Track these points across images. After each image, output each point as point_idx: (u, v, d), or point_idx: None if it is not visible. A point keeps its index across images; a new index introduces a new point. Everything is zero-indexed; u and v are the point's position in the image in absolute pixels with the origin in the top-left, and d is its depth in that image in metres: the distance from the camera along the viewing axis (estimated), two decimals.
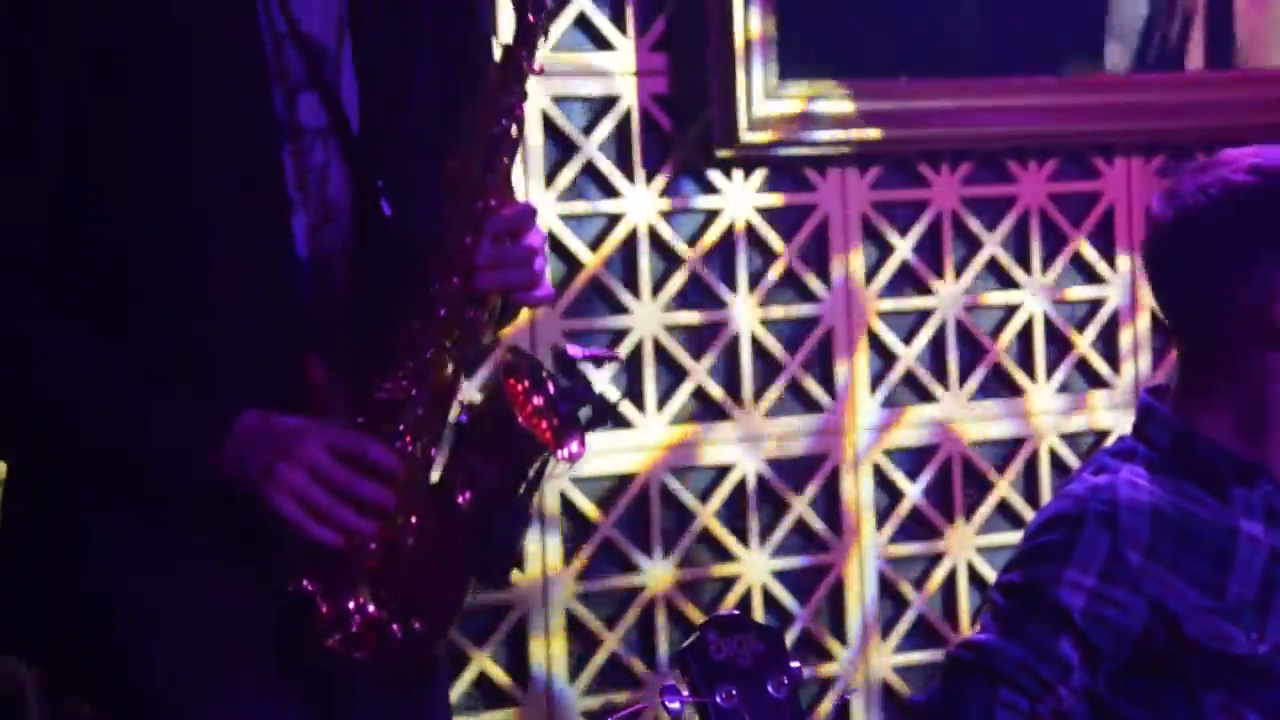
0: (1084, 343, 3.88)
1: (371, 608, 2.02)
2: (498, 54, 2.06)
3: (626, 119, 3.46)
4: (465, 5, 2.19)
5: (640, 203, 3.47)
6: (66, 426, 1.98)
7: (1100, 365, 3.90)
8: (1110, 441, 2.98)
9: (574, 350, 2.15)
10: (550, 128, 3.40)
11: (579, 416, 2.06)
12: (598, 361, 2.21)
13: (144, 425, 1.97)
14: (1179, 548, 2.20)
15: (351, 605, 2.01)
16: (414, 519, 2.04)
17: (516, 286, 2.05)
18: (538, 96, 3.34)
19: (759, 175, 3.58)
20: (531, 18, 2.01)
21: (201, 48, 1.97)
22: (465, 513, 2.04)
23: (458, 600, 2.09)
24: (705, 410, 3.55)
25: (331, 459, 1.96)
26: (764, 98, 3.49)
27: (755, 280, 3.58)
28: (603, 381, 3.19)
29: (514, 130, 2.03)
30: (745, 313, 3.57)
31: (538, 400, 2.06)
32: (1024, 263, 3.82)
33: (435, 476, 2.10)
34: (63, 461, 2.00)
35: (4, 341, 1.98)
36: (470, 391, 3.07)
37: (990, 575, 3.66)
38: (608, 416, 2.10)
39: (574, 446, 2.04)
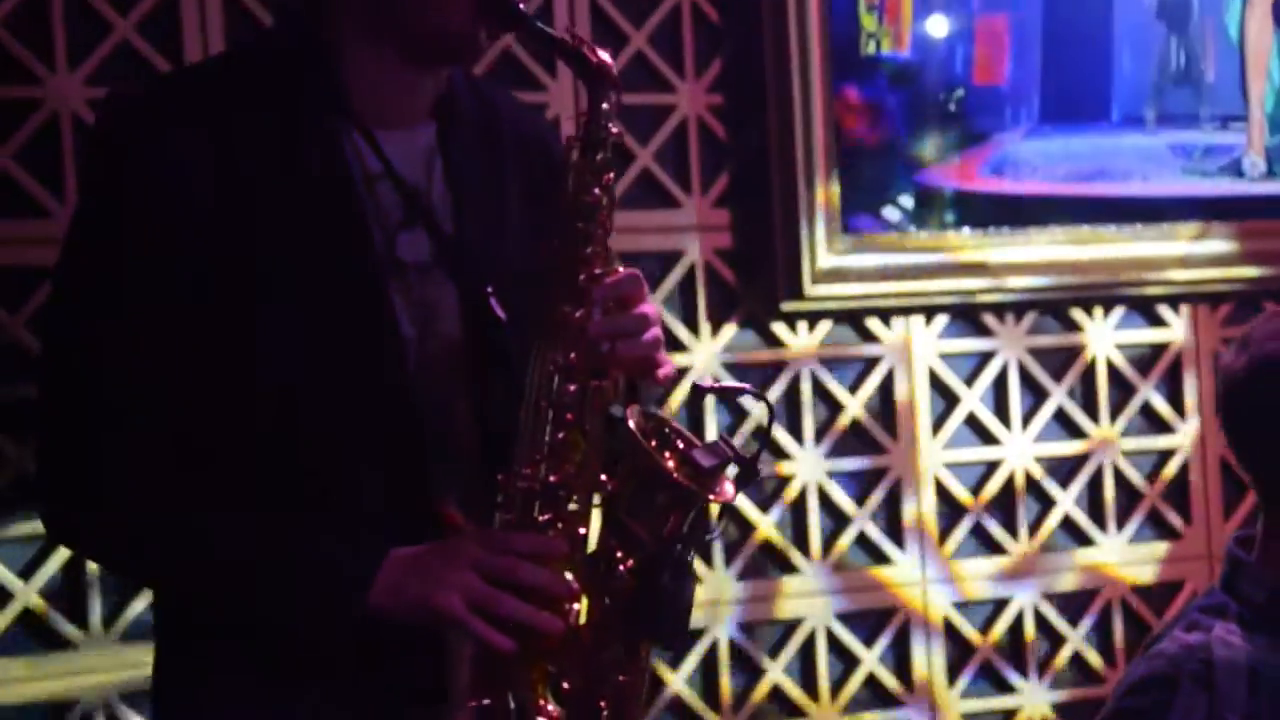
0: (1154, 493, 3.84)
1: (552, 707, 1.98)
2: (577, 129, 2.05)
3: (690, 274, 3.47)
4: (545, 151, 2.19)
5: (705, 356, 3.47)
6: (219, 604, 1.99)
7: (1172, 516, 3.85)
8: (1188, 595, 2.92)
9: (706, 381, 2.10)
10: None
11: (719, 465, 2.02)
12: (730, 393, 2.15)
13: (292, 583, 1.96)
14: (1277, 712, 2.11)
15: (537, 709, 1.97)
16: (581, 599, 1.99)
17: (635, 355, 2.01)
18: None
19: (824, 327, 3.57)
20: (604, 88, 1.99)
21: (296, 199, 1.99)
22: (629, 580, 1.99)
23: (639, 671, 2.02)
24: (773, 564, 3.52)
25: (492, 555, 1.94)
26: (827, 251, 3.50)
27: (822, 432, 3.57)
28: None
29: (606, 200, 2.01)
30: (812, 464, 3.55)
31: (673, 456, 2.02)
32: (1091, 412, 3.79)
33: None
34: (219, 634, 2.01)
35: (150, 531, 1.99)
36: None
37: None
38: (751, 471, 2.06)
39: (723, 490, 2.02)
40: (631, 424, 1.98)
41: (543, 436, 1.98)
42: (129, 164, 1.97)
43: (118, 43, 3.05)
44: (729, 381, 2.13)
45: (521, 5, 1.98)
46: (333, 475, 2.00)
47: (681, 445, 2.02)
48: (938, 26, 3.64)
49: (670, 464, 1.98)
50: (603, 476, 2.00)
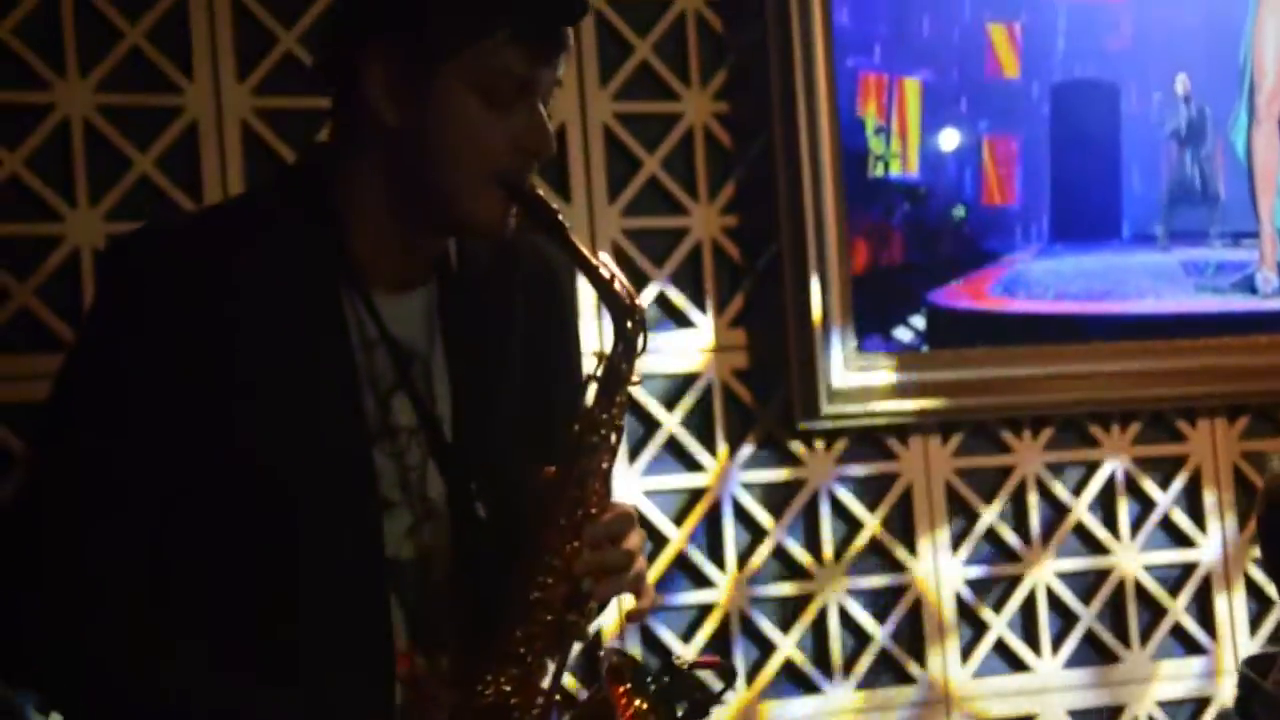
0: (1178, 607, 3.81)
1: None
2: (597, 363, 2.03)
3: (707, 393, 3.48)
4: (558, 295, 2.20)
5: (723, 475, 3.47)
6: None
7: (1196, 630, 3.82)
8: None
9: (681, 659, 2.11)
10: (633, 406, 3.42)
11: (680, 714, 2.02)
12: (708, 668, 2.16)
13: None
14: None
15: None
16: None
17: (616, 591, 2.02)
18: None
19: (841, 444, 3.57)
20: (630, 326, 1.99)
21: (291, 358, 1.99)
22: None
23: None
24: (795, 684, 3.49)
25: None
26: (843, 369, 3.50)
27: (841, 550, 3.55)
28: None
29: (614, 438, 2.01)
30: (831, 583, 3.53)
31: (641, 703, 2.02)
32: (1112, 526, 3.78)
33: None
34: None
35: (120, 687, 1.97)
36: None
37: None
38: (708, 714, 2.06)
39: None
40: (609, 670, 2.01)
41: (514, 659, 1.99)
42: (132, 314, 1.97)
43: (137, 178, 3.09)
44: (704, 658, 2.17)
45: (559, 214, 1.97)
46: (304, 626, 1.98)
47: (653, 691, 2.03)
48: (946, 147, 3.66)
49: (631, 715, 1.99)
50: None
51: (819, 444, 3.55)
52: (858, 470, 3.58)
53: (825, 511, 3.54)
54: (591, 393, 2.00)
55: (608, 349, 2.00)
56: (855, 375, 3.52)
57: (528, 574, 1.98)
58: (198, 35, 3.10)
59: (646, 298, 3.43)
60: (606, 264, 1.99)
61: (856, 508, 3.57)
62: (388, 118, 1.96)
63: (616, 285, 1.98)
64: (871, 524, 3.57)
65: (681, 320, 3.47)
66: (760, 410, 3.51)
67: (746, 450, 3.50)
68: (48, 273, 3.02)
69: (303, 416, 1.98)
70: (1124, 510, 3.79)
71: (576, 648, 2.04)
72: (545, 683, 2.00)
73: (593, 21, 3.39)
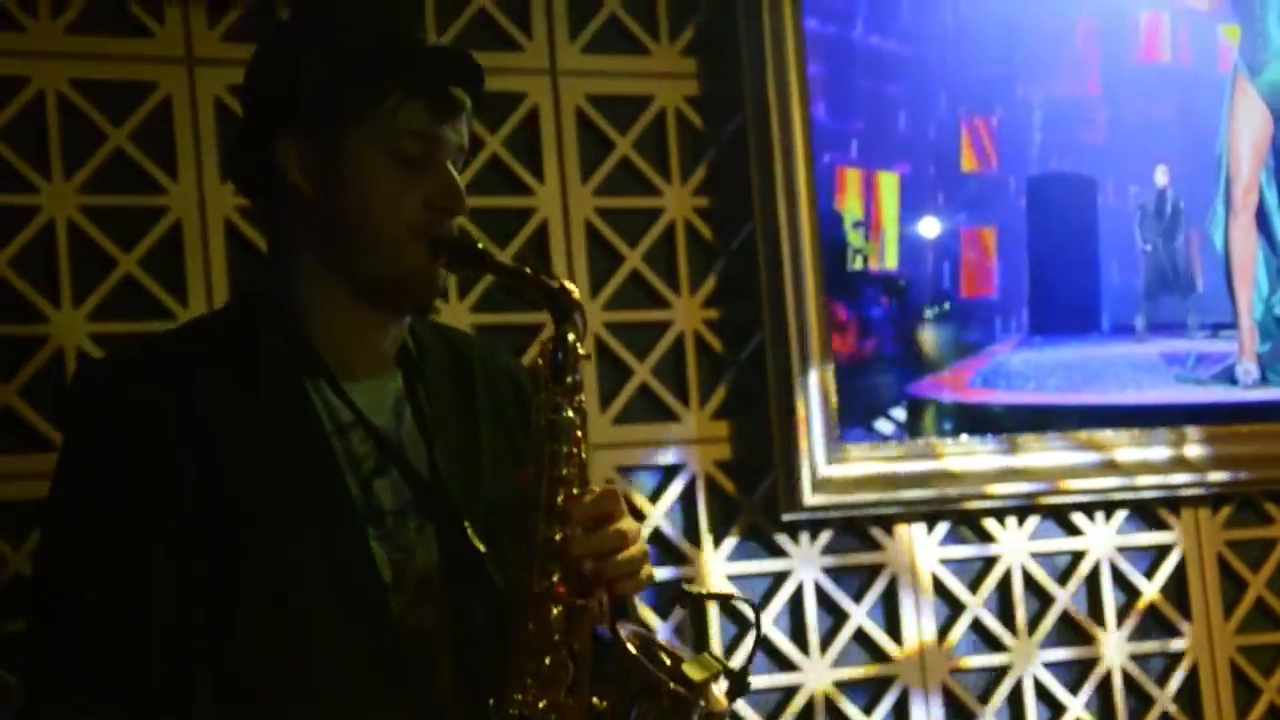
0: (1166, 698, 3.78)
1: None
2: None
3: (691, 486, 3.47)
4: (515, 386, 2.22)
5: (708, 567, 3.45)
6: None
7: (1178, 715, 3.80)
8: None
9: (693, 588, 2.10)
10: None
11: (711, 678, 2.01)
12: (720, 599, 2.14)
13: None
14: None
15: None
16: None
17: (618, 570, 2.01)
18: (605, 469, 3.36)
19: (826, 535, 3.56)
20: (566, 311, 2.03)
21: (270, 457, 2.00)
22: None
23: None
24: None
25: None
26: (826, 461, 3.50)
27: (827, 641, 3.53)
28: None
29: (579, 420, 2.03)
30: (818, 675, 3.50)
31: (664, 671, 1.99)
32: (1097, 616, 3.75)
33: None
34: None
35: None
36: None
37: None
38: (743, 682, 2.05)
39: (716, 701, 2.00)
40: (624, 639, 1.97)
41: (531, 662, 1.98)
42: (102, 440, 2.00)
43: (118, 280, 3.09)
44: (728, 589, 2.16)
45: (479, 244, 2.06)
46: (315, 714, 1.99)
47: (670, 660, 2.01)
48: (923, 240, 3.67)
49: (663, 678, 1.97)
50: (594, 699, 1.99)
51: (803, 535, 3.53)
52: (843, 561, 3.56)
53: (811, 603, 3.52)
54: (544, 377, 2.02)
55: (553, 338, 2.04)
56: (838, 467, 3.51)
57: (524, 572, 1.98)
58: (181, 136, 3.12)
59: (628, 391, 3.43)
60: (531, 266, 2.06)
61: (842, 599, 3.55)
62: (305, 192, 2.04)
63: (544, 279, 2.04)
64: (858, 615, 3.55)
65: (665, 413, 3.47)
66: (744, 502, 3.50)
67: (731, 542, 3.48)
68: (31, 372, 3.01)
69: (291, 509, 2.00)
70: (1109, 599, 3.77)
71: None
72: (569, 683, 1.98)
73: (574, 119, 3.41)
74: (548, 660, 1.97)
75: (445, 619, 2.06)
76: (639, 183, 3.49)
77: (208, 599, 1.99)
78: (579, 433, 2.03)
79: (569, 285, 2.04)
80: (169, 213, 3.11)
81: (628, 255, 3.46)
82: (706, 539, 3.46)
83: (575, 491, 2.01)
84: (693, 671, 1.99)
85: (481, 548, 2.06)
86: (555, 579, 1.98)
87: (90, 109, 3.08)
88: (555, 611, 1.98)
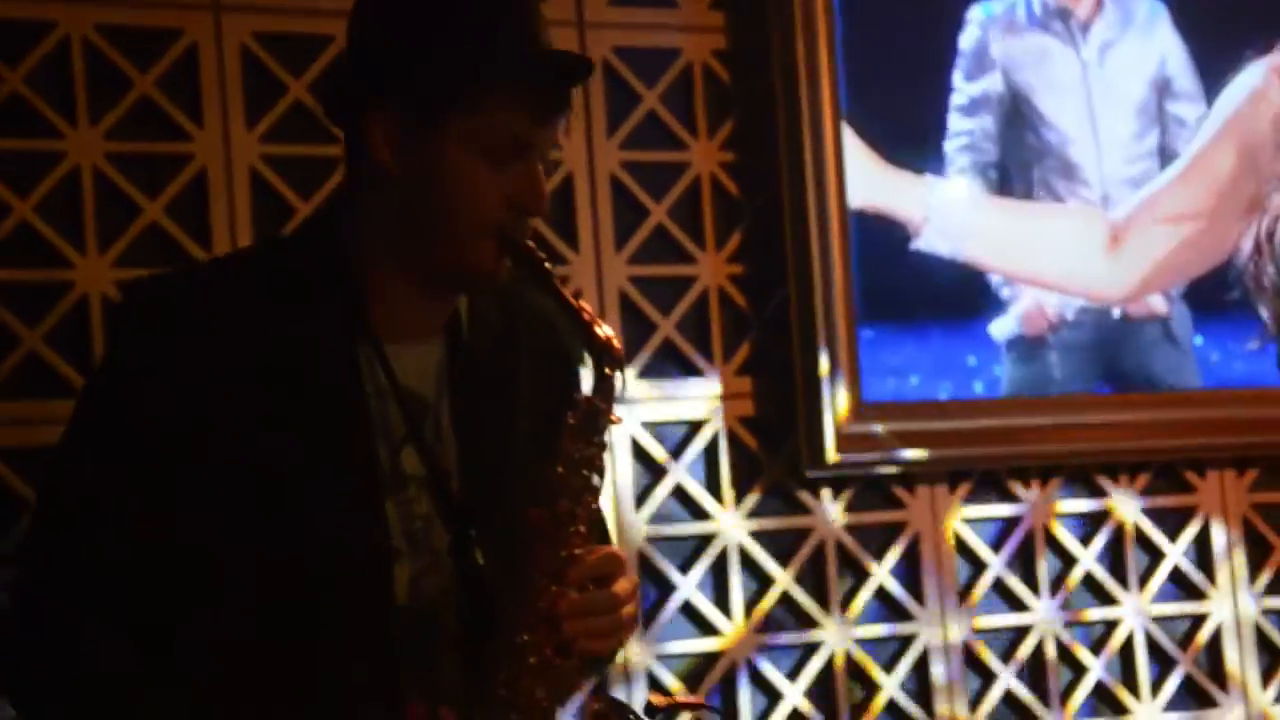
0: (1189, 660, 3.79)
1: None
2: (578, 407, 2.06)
3: (715, 442, 3.48)
4: (564, 366, 2.21)
5: (730, 523, 3.46)
6: None
7: (1207, 684, 3.80)
8: None
9: (658, 699, 2.12)
10: (640, 454, 3.43)
11: None
12: (688, 709, 2.18)
13: None
14: None
15: None
16: None
17: (601, 634, 2.03)
18: (629, 423, 3.38)
19: (848, 494, 3.57)
20: (608, 370, 2.03)
21: (307, 407, 2.00)
22: None
23: None
24: None
25: None
26: (850, 419, 3.51)
27: (848, 599, 3.54)
28: None
29: (596, 479, 2.03)
30: (838, 633, 3.52)
31: None
32: (1121, 578, 3.76)
33: None
34: None
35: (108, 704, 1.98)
36: None
37: None
38: None
39: None
40: (592, 710, 2.02)
41: (503, 700, 1.99)
42: (144, 361, 2.00)
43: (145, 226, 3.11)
44: (684, 696, 2.18)
45: (546, 263, 2.01)
46: (312, 669, 1.99)
47: None
48: None
49: None
50: None
51: (825, 493, 3.55)
52: (865, 519, 3.58)
53: (832, 560, 3.54)
54: (572, 434, 2.02)
55: (587, 391, 2.04)
56: (862, 424, 3.52)
57: (513, 616, 2.00)
58: (207, 83, 3.13)
59: (652, 346, 3.44)
60: (586, 308, 2.03)
61: (863, 557, 3.56)
62: (390, 163, 2.01)
63: (596, 328, 2.02)
64: (880, 573, 3.56)
65: (688, 368, 3.48)
66: (767, 459, 3.51)
67: (753, 498, 3.49)
68: (57, 319, 3.03)
69: (317, 463, 2.01)
70: (1132, 562, 3.77)
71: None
72: None
73: (600, 72, 3.41)
74: (520, 706, 1.99)
75: (452, 594, 2.06)
76: (665, 137, 3.50)
77: (214, 539, 1.98)
78: (592, 497, 2.04)
79: (615, 340, 2.02)
80: (194, 160, 3.13)
81: (653, 210, 3.47)
82: (729, 495, 3.48)
83: (578, 551, 2.01)
84: None
85: (481, 561, 2.04)
86: (537, 633, 1.99)
87: (116, 55, 3.09)
88: (533, 663, 2.00)
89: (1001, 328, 3.69)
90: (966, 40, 3.69)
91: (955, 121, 3.66)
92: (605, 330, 2.02)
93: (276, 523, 1.99)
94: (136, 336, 2.02)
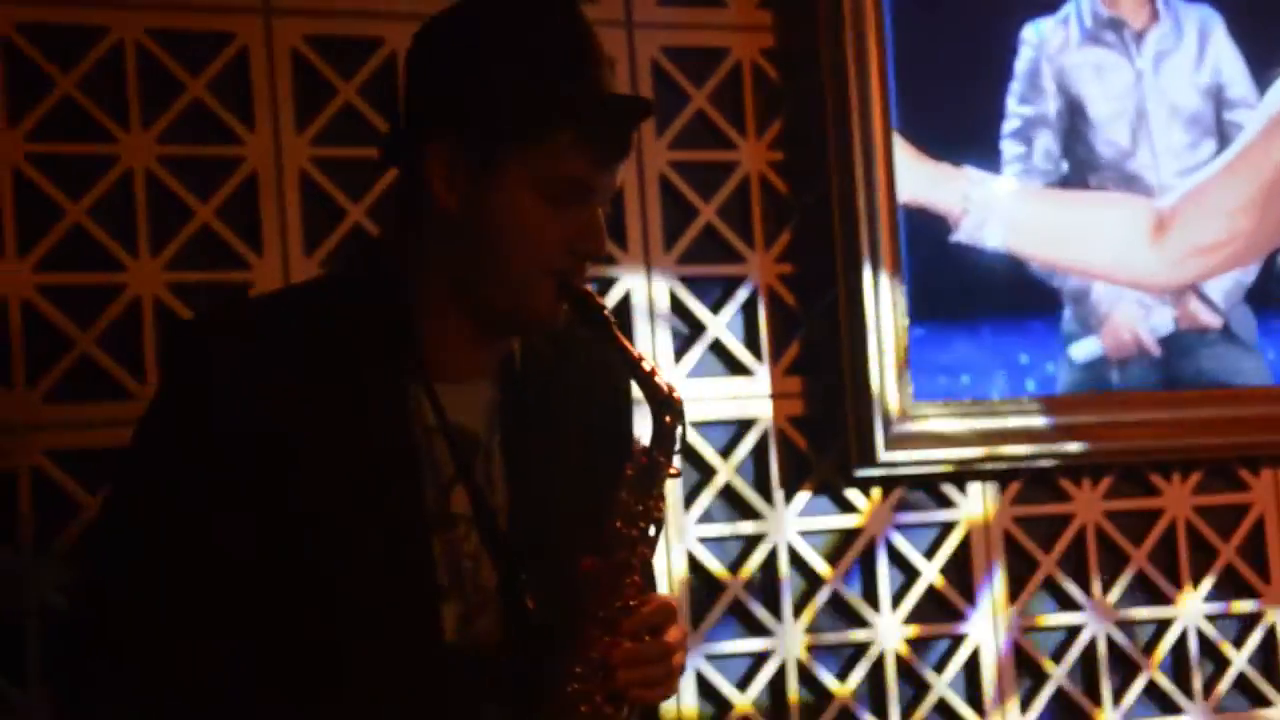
0: (1242, 659, 3.79)
1: None
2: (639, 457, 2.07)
3: (764, 441, 3.50)
4: (618, 409, 2.23)
5: (780, 523, 3.48)
6: None
7: (1261, 683, 3.80)
8: None
9: None
10: (690, 454, 3.44)
11: None
12: None
13: None
14: None
15: None
16: None
17: (653, 682, 2.05)
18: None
19: (898, 492, 3.58)
20: (669, 419, 2.04)
21: (356, 444, 2.01)
22: None
23: None
24: None
25: None
26: (900, 417, 3.52)
27: (898, 598, 3.56)
28: None
29: (653, 531, 2.04)
30: (890, 631, 3.54)
31: None
32: (1173, 577, 3.77)
33: None
34: None
35: None
36: None
37: None
38: None
39: None
40: None
41: None
42: (194, 399, 2.01)
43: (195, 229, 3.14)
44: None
45: (605, 310, 2.02)
46: (358, 706, 2.01)
47: None
48: None
49: None
50: None
51: (876, 492, 3.56)
52: (915, 518, 3.59)
53: (882, 559, 3.55)
54: (631, 486, 2.04)
55: (646, 443, 2.05)
56: (912, 424, 3.53)
57: (565, 665, 2.02)
58: (258, 86, 3.16)
59: (703, 345, 3.46)
60: (647, 358, 2.04)
61: (914, 556, 3.57)
62: (448, 202, 2.01)
63: (657, 379, 2.03)
64: (930, 573, 3.58)
65: (738, 368, 3.49)
66: (816, 457, 3.53)
67: (803, 497, 3.51)
68: (109, 321, 3.07)
69: (365, 501, 2.01)
70: (1185, 561, 3.78)
71: None
72: None
73: (650, 72, 3.43)
74: None
75: (501, 634, 2.07)
76: (714, 136, 3.51)
77: (261, 579, 2.00)
78: (648, 548, 2.05)
79: (678, 393, 2.03)
80: (245, 163, 3.16)
81: (702, 209, 3.49)
82: (778, 494, 3.49)
83: (634, 600, 2.03)
84: None
85: (531, 604, 2.06)
86: (592, 681, 2.01)
87: (168, 59, 3.12)
88: (582, 711, 2.02)
89: (1084, 349, 3.70)
90: (1021, 60, 3.70)
91: (1009, 145, 3.67)
92: (666, 381, 2.03)
93: (324, 559, 2.00)
94: (192, 369, 2.03)
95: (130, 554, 2.01)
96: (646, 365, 2.03)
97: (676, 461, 2.06)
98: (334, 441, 2.00)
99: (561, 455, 2.12)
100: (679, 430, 2.04)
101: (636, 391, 2.10)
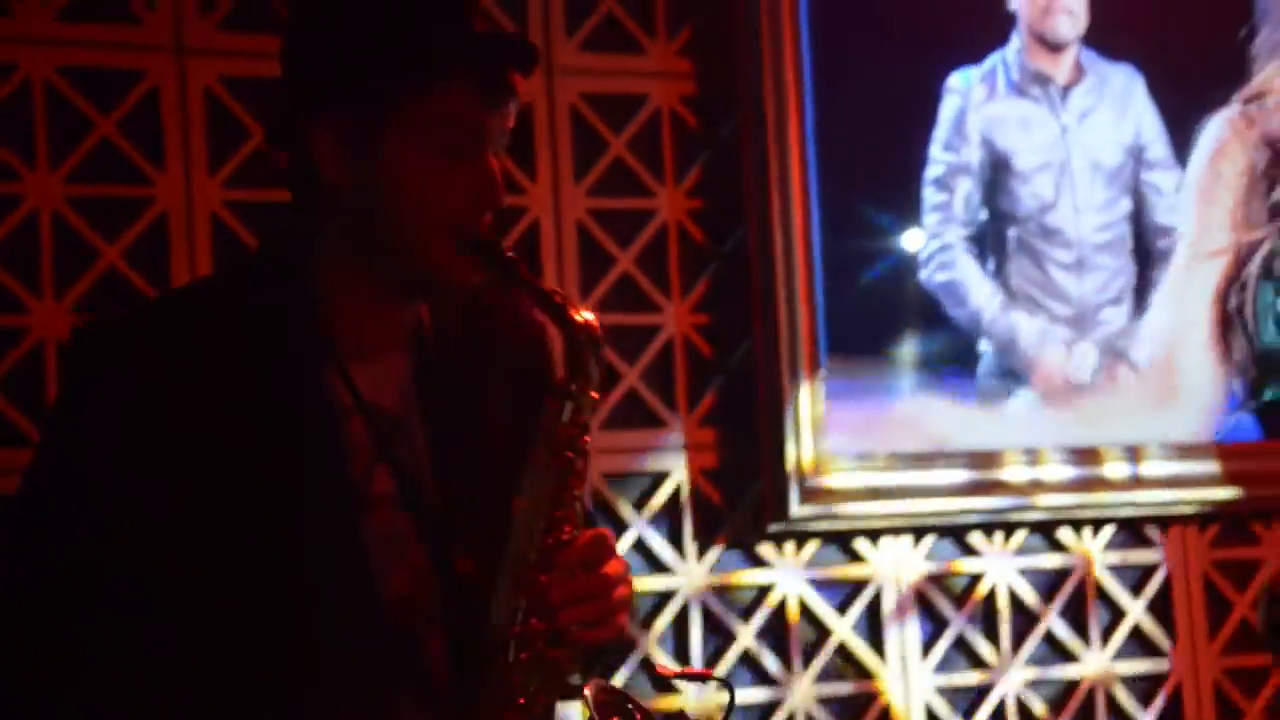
0: (1149, 717, 3.90)
1: None
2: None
3: (676, 494, 3.57)
4: (536, 366, 2.19)
5: (691, 577, 3.55)
6: None
7: None
8: None
9: (664, 669, 2.10)
10: (601, 504, 3.51)
11: None
12: (692, 679, 2.15)
13: None
14: None
15: None
16: None
17: (595, 619, 2.02)
18: (590, 476, 3.44)
19: (811, 547, 3.66)
20: (585, 348, 2.02)
21: (272, 431, 2.02)
22: None
23: None
24: None
25: None
26: (815, 471, 3.60)
27: (809, 656, 3.64)
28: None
29: (580, 463, 2.04)
30: (800, 691, 3.61)
31: None
32: (1081, 632, 3.88)
33: None
34: None
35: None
36: None
37: None
38: None
39: None
40: (588, 694, 2.02)
41: (502, 705, 2.02)
42: (94, 403, 2.02)
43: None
44: (691, 667, 2.18)
45: (510, 254, 2.03)
46: (300, 692, 2.02)
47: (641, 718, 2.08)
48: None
49: None
50: None
51: (788, 546, 3.64)
52: (828, 574, 3.67)
53: (794, 615, 3.63)
54: (551, 417, 2.03)
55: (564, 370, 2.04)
56: (826, 477, 3.62)
57: (503, 618, 2.02)
58: (170, 126, 3.19)
59: (618, 394, 3.52)
60: (559, 291, 2.05)
61: (825, 612, 3.66)
62: (340, 178, 2.03)
63: (570, 310, 2.03)
64: (842, 629, 3.66)
65: (651, 419, 3.56)
66: (729, 511, 3.60)
67: (715, 552, 3.58)
68: (10, 365, 3.08)
69: (286, 489, 2.02)
70: (1094, 618, 3.88)
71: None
72: None
73: (567, 117, 3.49)
74: (519, 703, 2.02)
75: (434, 612, 2.07)
76: (632, 184, 3.58)
77: (189, 575, 2.01)
78: (578, 477, 2.05)
79: (592, 321, 2.05)
80: (155, 204, 3.19)
81: (619, 257, 3.55)
82: (691, 548, 3.56)
83: (566, 535, 2.03)
84: None
85: (463, 570, 2.07)
86: (531, 623, 2.01)
87: (77, 95, 3.15)
88: (524, 659, 2.02)
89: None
90: (946, 107, 3.81)
91: (930, 193, 3.78)
92: (582, 313, 2.03)
93: (251, 550, 2.01)
94: (92, 370, 2.03)
95: (44, 561, 2.00)
96: (558, 298, 2.04)
97: (595, 388, 2.04)
98: (247, 433, 2.01)
99: (484, 419, 2.14)
100: (595, 356, 2.03)
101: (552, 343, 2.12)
